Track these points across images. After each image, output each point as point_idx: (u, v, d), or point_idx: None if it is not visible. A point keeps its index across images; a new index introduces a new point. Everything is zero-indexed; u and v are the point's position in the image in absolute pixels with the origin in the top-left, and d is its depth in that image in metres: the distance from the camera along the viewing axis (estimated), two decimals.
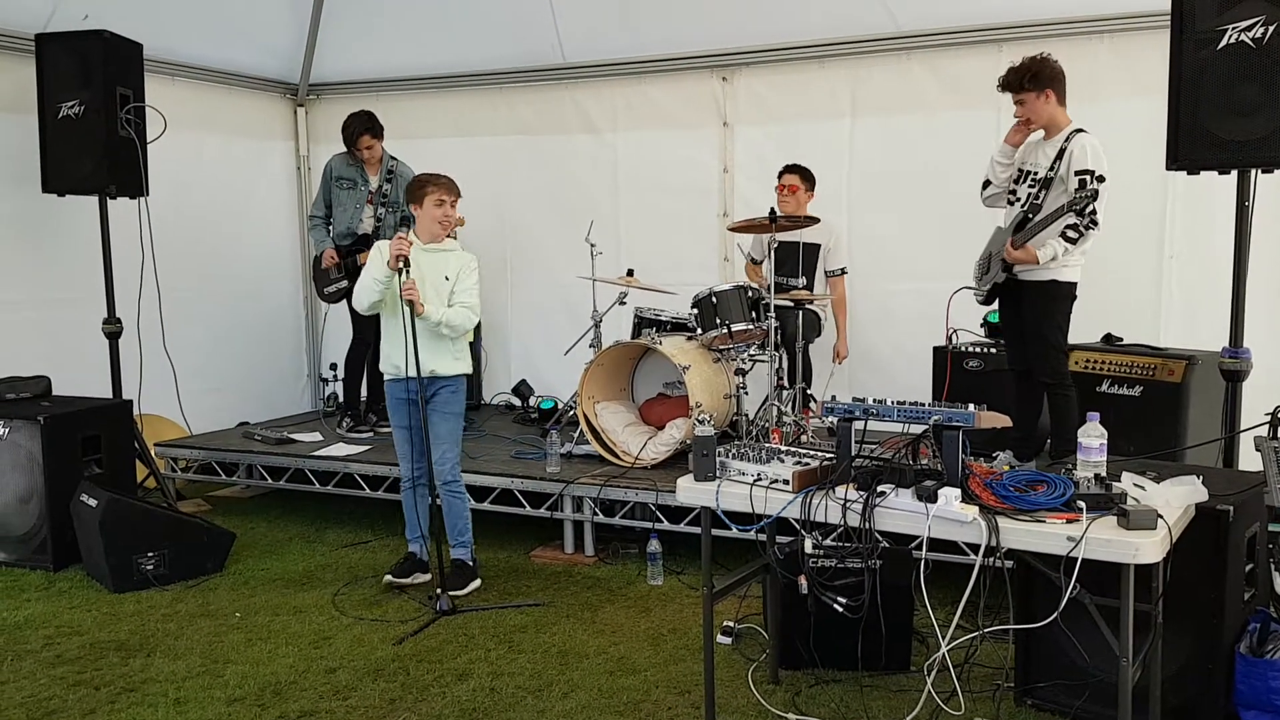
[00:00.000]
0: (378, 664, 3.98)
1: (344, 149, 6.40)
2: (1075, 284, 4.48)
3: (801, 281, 5.95)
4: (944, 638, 3.05)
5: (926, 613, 3.29)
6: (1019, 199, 4.55)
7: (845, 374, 6.29)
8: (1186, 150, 4.02)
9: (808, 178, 5.96)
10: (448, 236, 4.77)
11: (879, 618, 3.43)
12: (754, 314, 5.44)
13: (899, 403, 3.08)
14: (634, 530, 5.31)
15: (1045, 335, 4.47)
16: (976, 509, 2.79)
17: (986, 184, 4.70)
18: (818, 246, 5.98)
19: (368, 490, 5.84)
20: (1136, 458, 3.76)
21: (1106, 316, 5.18)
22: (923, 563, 3.07)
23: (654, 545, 4.91)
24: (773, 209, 5.40)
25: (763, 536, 3.62)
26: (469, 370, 4.87)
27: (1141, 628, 2.87)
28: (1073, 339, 4.63)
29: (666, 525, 5.06)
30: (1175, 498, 2.90)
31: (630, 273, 6.06)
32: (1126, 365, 4.76)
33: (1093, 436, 2.91)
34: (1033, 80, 4.38)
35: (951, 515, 2.79)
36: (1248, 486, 3.31)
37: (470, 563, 4.82)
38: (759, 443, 3.70)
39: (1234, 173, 4.02)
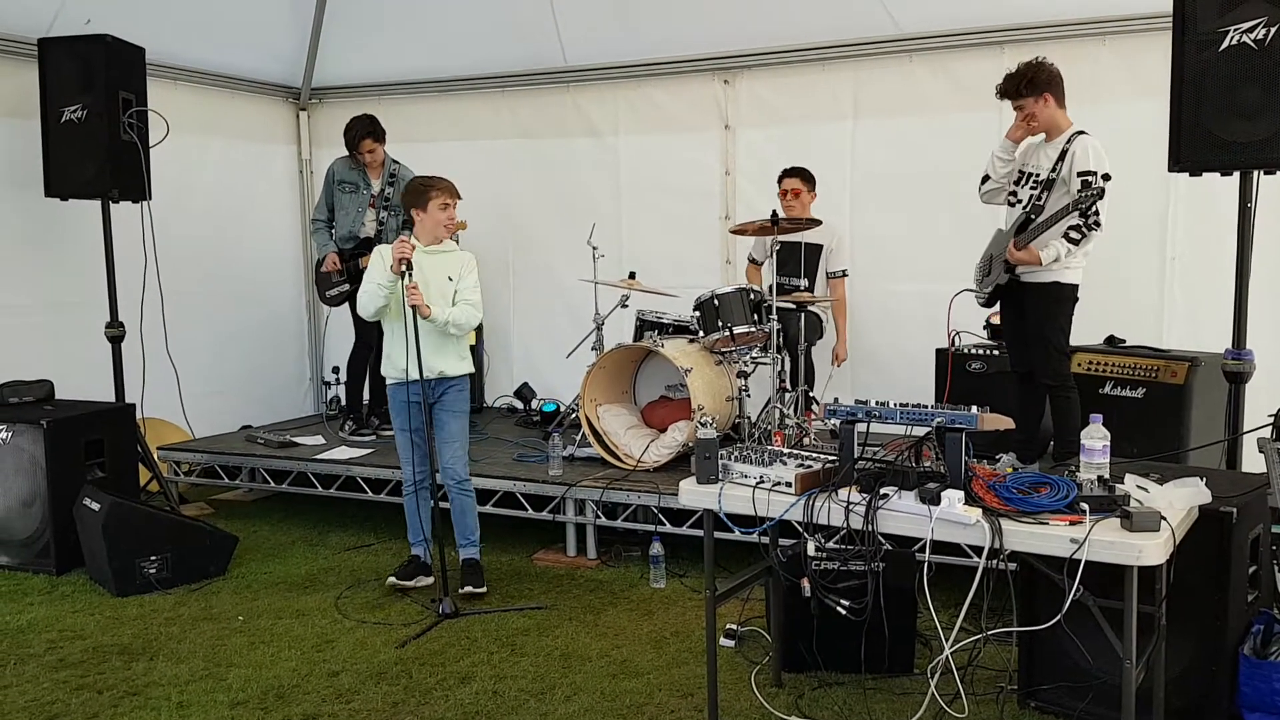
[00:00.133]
0: (380, 667, 3.98)
1: (346, 153, 6.41)
2: (1077, 286, 4.48)
3: (803, 283, 5.96)
4: (947, 640, 3.04)
5: (930, 615, 3.29)
6: (1020, 201, 4.55)
7: (847, 376, 6.29)
8: (1188, 152, 4.01)
9: (808, 179, 5.96)
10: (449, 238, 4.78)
11: (882, 620, 3.44)
12: (756, 316, 5.44)
13: (901, 405, 3.08)
14: (636, 533, 5.31)
15: (1047, 337, 4.47)
16: (979, 511, 2.79)
17: (985, 179, 4.70)
18: (819, 248, 5.98)
19: (370, 493, 5.84)
20: (1139, 459, 3.75)
21: (1109, 318, 5.18)
22: (926, 565, 3.07)
23: (656, 548, 4.92)
24: (774, 211, 5.41)
25: (765, 539, 3.62)
26: (473, 370, 4.90)
27: (1145, 630, 2.86)
28: (1075, 341, 4.63)
29: (669, 528, 5.06)
30: (1178, 499, 2.90)
31: (632, 275, 6.06)
32: (1129, 367, 4.75)
33: (1096, 438, 2.90)
34: (1029, 86, 4.39)
35: (954, 517, 2.79)
36: (1251, 488, 3.30)
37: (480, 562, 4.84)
38: (761, 445, 3.70)
39: (1236, 174, 4.02)
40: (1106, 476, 2.88)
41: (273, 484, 6.14)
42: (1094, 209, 4.22)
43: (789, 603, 3.74)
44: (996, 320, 5.12)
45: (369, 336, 6.25)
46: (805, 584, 3.24)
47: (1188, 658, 3.21)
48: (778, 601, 3.79)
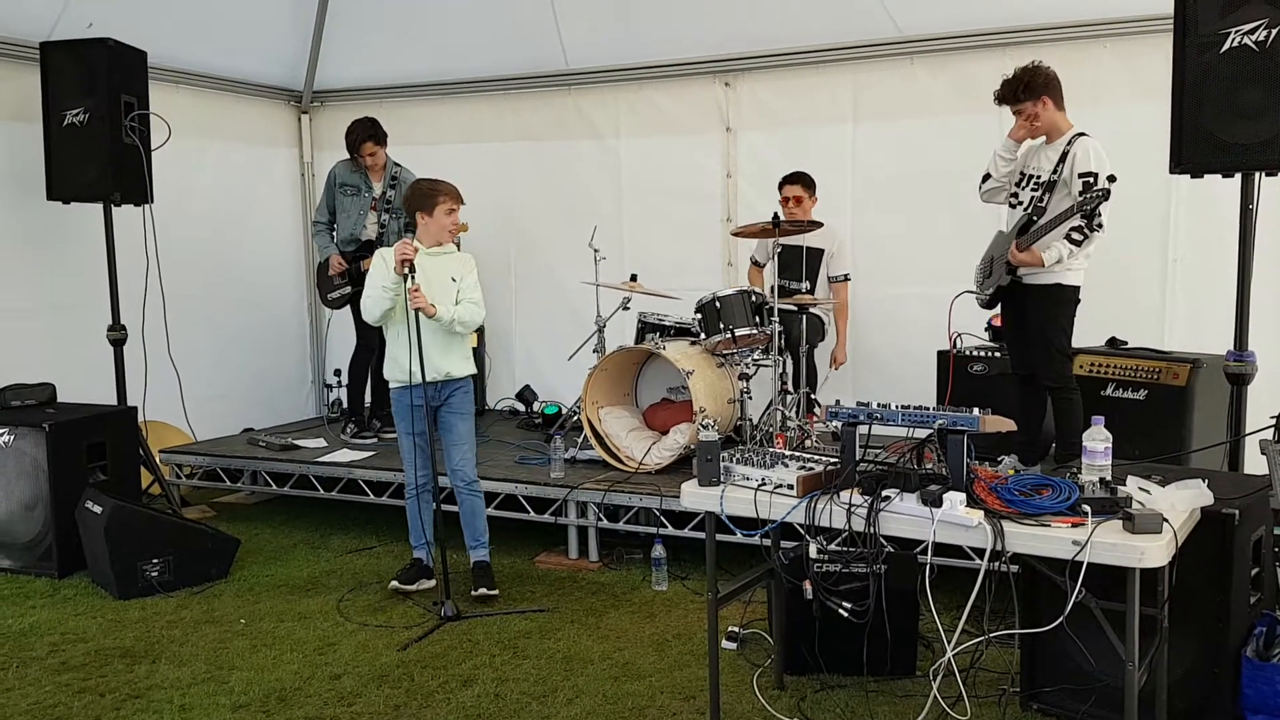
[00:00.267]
0: (382, 670, 3.98)
1: (348, 155, 6.41)
2: (1079, 287, 4.48)
3: (805, 286, 5.96)
4: (949, 643, 3.04)
5: (932, 617, 3.29)
6: (1022, 202, 4.55)
7: (849, 378, 6.29)
8: (1190, 153, 4.01)
9: (809, 185, 5.96)
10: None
11: (884, 623, 3.43)
12: (758, 319, 5.44)
13: (903, 407, 3.08)
14: (638, 535, 5.30)
15: (1049, 339, 4.47)
16: (981, 513, 2.79)
17: (987, 177, 4.70)
18: (821, 251, 5.98)
19: (372, 496, 5.84)
20: (1141, 461, 3.75)
21: (1110, 320, 5.17)
22: (928, 567, 3.07)
23: (658, 550, 4.91)
24: (776, 214, 5.41)
25: (767, 541, 3.62)
26: (475, 371, 4.91)
27: (1147, 632, 2.86)
28: (1077, 342, 4.63)
29: (671, 530, 5.06)
30: (1180, 501, 2.90)
31: (634, 278, 6.06)
32: (1131, 369, 4.75)
33: (1097, 440, 2.90)
34: (1026, 91, 4.39)
35: (956, 520, 2.79)
36: (1253, 490, 3.30)
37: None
38: (763, 447, 3.71)
39: (1238, 176, 4.02)
40: (1108, 478, 2.88)
41: (274, 487, 6.14)
42: (1097, 210, 4.22)
43: (791, 605, 3.73)
44: (998, 322, 5.12)
45: (370, 339, 6.25)
46: (807, 586, 3.24)
47: (1190, 660, 3.20)
48: (779, 604, 3.78)
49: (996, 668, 3.77)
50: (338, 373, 7.36)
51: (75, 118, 5.68)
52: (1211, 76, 3.90)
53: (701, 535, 4.33)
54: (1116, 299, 5.37)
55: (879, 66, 6.29)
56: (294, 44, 7.63)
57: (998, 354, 5.19)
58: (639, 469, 5.39)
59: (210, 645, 4.26)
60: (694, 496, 3.28)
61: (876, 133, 6.35)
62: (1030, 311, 4.55)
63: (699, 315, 5.56)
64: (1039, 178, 4.49)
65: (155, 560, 4.87)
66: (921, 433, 3.04)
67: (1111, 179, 4.21)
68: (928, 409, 3.03)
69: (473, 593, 4.65)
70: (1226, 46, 3.85)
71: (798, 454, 3.38)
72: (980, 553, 2.79)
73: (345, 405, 6.96)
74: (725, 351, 5.58)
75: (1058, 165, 4.39)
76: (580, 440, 5.75)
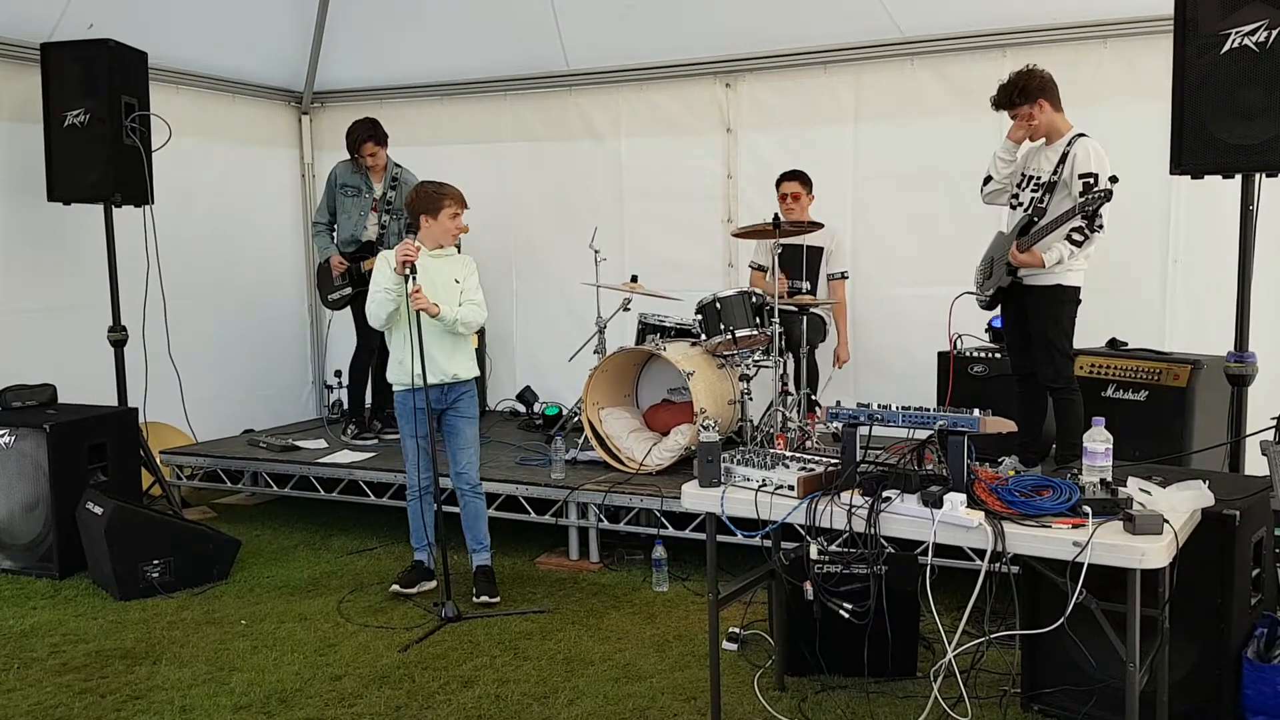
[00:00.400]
0: (383, 671, 3.98)
1: (348, 156, 6.41)
2: (1079, 288, 4.48)
3: (805, 285, 5.96)
4: (950, 643, 3.04)
5: (932, 618, 3.29)
6: (1022, 204, 4.55)
7: (850, 379, 6.29)
8: (1190, 155, 4.02)
9: (806, 182, 5.96)
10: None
11: (885, 623, 3.43)
12: (758, 319, 5.44)
13: (904, 408, 3.08)
14: (639, 536, 5.30)
15: (1050, 340, 4.47)
16: (982, 514, 2.79)
17: (988, 179, 4.70)
18: (821, 250, 5.99)
19: (372, 497, 5.84)
20: (1142, 462, 3.75)
21: (1111, 321, 5.17)
22: (928, 568, 3.07)
23: (659, 551, 4.91)
24: (776, 214, 5.41)
25: (768, 542, 3.62)
26: (479, 374, 4.90)
27: (1148, 633, 2.86)
28: (1077, 343, 4.62)
29: (671, 531, 5.06)
30: (1181, 502, 2.90)
31: (634, 279, 6.06)
32: (1131, 370, 4.75)
33: (1098, 441, 2.90)
34: (1022, 95, 4.39)
35: (957, 520, 2.79)
36: (1254, 491, 3.30)
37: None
38: (764, 448, 3.71)
39: (1238, 177, 4.02)
40: (1109, 479, 2.88)
41: (275, 488, 6.14)
42: (1098, 211, 4.22)
43: (791, 606, 3.73)
44: (999, 323, 5.12)
45: (371, 340, 6.26)
46: (808, 587, 3.24)
47: (1191, 661, 3.21)
48: (780, 605, 3.78)
49: (997, 669, 3.77)
50: (338, 374, 7.36)
51: (76, 119, 5.69)
52: (1212, 77, 3.90)
53: (702, 536, 4.33)
54: (1117, 300, 5.38)
55: (880, 67, 6.29)
56: (294, 45, 7.63)
57: (998, 355, 5.19)
58: (640, 470, 5.39)
59: (211, 646, 4.26)
60: (695, 497, 3.28)
61: (877, 133, 6.35)
62: (1031, 312, 4.54)
63: (699, 316, 5.56)
64: (1039, 179, 4.49)
65: (156, 561, 4.88)
66: (922, 434, 3.04)
67: (1113, 180, 4.20)
68: (928, 410, 3.03)
69: (474, 599, 4.64)
70: (1227, 47, 3.85)
71: (798, 455, 3.38)
72: (981, 554, 2.79)
73: (346, 406, 6.96)
74: (726, 352, 5.58)
75: (1058, 166, 4.39)
76: (581, 441, 5.75)
